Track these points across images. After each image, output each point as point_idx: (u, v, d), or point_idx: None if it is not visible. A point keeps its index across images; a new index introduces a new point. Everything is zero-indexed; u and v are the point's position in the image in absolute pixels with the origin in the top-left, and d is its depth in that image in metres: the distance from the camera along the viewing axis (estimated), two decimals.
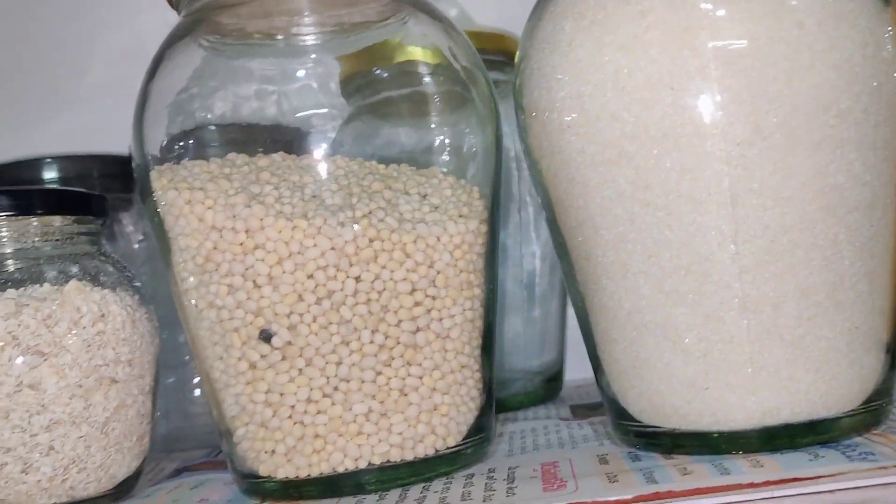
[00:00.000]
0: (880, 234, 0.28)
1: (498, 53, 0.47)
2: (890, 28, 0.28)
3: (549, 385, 0.48)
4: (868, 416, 0.29)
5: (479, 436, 0.32)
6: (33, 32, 0.60)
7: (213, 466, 0.39)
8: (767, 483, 0.24)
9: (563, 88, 0.29)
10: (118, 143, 0.52)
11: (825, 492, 0.24)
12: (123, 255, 0.47)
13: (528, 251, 0.49)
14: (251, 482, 0.31)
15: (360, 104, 0.35)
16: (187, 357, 0.47)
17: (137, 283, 0.37)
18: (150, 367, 0.36)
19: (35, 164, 0.50)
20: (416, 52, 0.36)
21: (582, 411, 0.41)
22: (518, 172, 0.50)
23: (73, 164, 0.50)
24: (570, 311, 0.51)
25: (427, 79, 0.35)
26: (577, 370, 0.51)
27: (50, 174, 0.50)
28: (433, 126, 0.35)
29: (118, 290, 0.35)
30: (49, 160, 0.50)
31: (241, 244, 0.30)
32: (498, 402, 0.36)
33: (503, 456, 0.33)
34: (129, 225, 0.52)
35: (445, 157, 0.35)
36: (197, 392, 0.47)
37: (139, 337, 0.35)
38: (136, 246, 0.50)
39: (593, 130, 0.29)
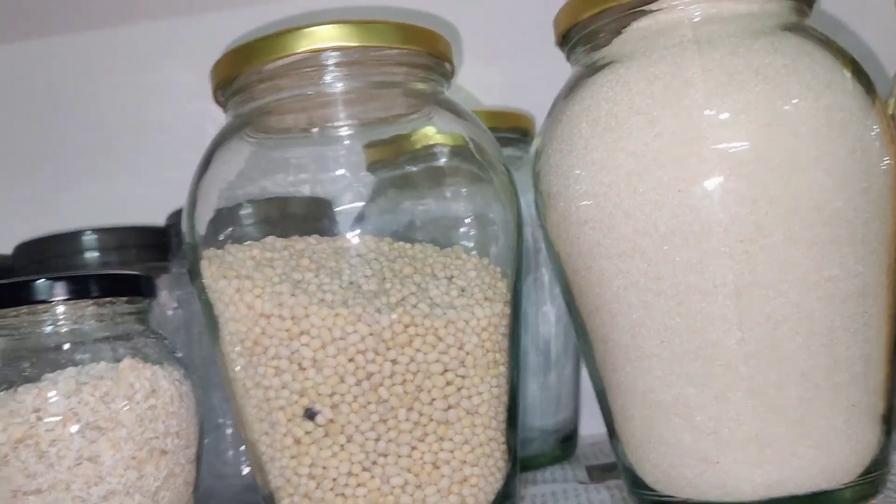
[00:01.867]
0: (873, 319, 0.31)
1: (511, 131, 0.50)
2: (876, 126, 0.31)
3: (565, 444, 0.50)
4: (867, 486, 0.31)
5: (505, 502, 0.35)
6: (66, 109, 0.63)
7: None
8: None
9: (581, 184, 0.32)
10: (148, 214, 0.55)
11: None
12: (158, 322, 0.50)
13: (542, 313, 0.51)
14: None
15: (385, 178, 0.38)
16: (220, 420, 0.49)
17: (181, 356, 0.40)
18: (195, 437, 0.38)
19: (76, 236, 0.53)
20: (439, 138, 0.39)
21: (598, 473, 0.43)
22: (532, 240, 0.52)
23: (112, 236, 0.53)
24: (583, 372, 0.54)
25: (449, 159, 0.38)
26: (590, 426, 0.54)
27: (90, 245, 0.53)
28: (455, 203, 0.38)
29: (165, 365, 0.38)
30: (89, 232, 0.53)
31: (288, 330, 0.32)
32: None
33: None
34: (164, 290, 0.54)
35: (468, 236, 0.38)
36: (230, 453, 0.49)
37: (186, 409, 0.38)
38: (170, 313, 0.53)
39: (608, 225, 0.31)
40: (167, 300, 0.53)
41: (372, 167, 0.38)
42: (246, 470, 0.49)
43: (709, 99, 0.30)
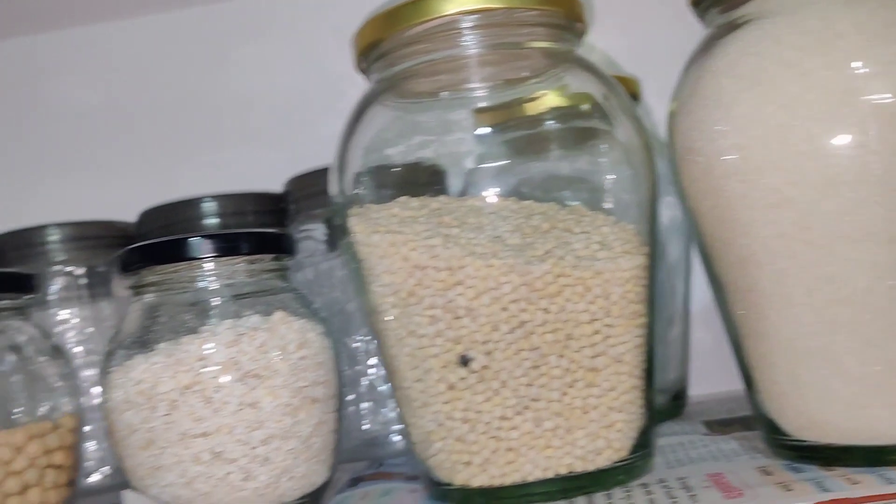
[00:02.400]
0: None
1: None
2: None
3: (675, 403, 0.51)
4: None
5: (645, 450, 0.36)
6: (172, 81, 0.65)
7: (385, 476, 0.43)
8: None
9: (726, 139, 0.33)
10: (259, 183, 0.57)
11: None
12: None
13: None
14: (444, 490, 0.35)
15: (516, 139, 0.39)
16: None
17: (322, 314, 0.42)
18: (337, 389, 0.40)
19: (197, 202, 0.55)
20: (572, 98, 0.40)
21: (717, 427, 0.44)
22: None
23: (231, 202, 0.55)
24: (693, 333, 0.55)
25: (580, 118, 0.39)
26: (698, 388, 0.55)
27: (210, 211, 0.55)
28: (585, 163, 0.39)
29: (311, 320, 0.40)
30: (209, 199, 0.55)
31: (443, 281, 0.34)
32: None
33: (665, 468, 0.37)
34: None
35: (597, 195, 0.39)
36: (351, 409, 0.51)
37: (330, 361, 0.40)
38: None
39: (756, 177, 0.32)
40: None
41: (503, 128, 0.39)
42: (366, 426, 0.51)
43: (860, 51, 0.31)
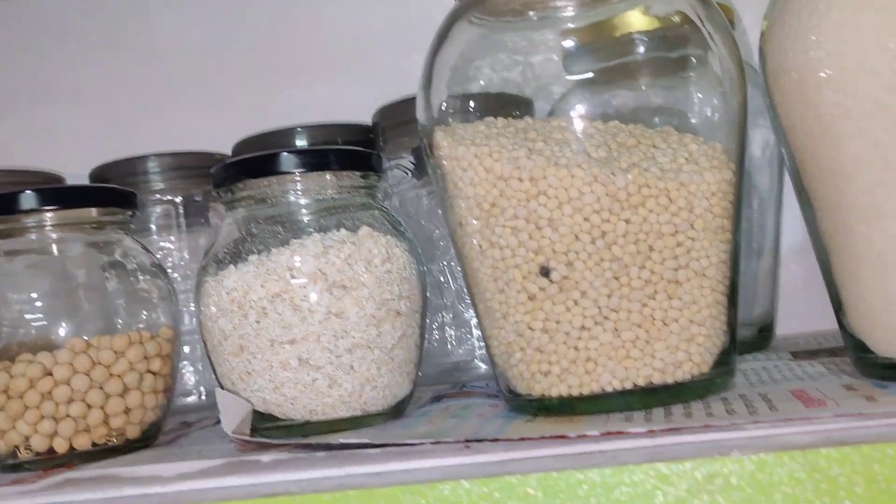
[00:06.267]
0: None
1: None
2: None
3: (762, 335, 0.50)
4: None
5: (726, 366, 0.36)
6: (267, 20, 0.67)
7: (466, 395, 0.44)
8: None
9: (821, 48, 0.32)
10: (347, 114, 0.58)
11: None
12: None
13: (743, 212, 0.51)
14: (524, 400, 0.36)
15: (604, 69, 0.39)
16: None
17: (407, 232, 0.42)
18: (421, 305, 0.41)
19: (289, 132, 0.56)
20: (661, 20, 0.39)
21: (804, 356, 0.44)
22: None
23: (321, 132, 0.56)
24: (784, 269, 0.54)
25: (667, 42, 0.39)
26: (786, 326, 0.54)
27: (301, 141, 0.57)
28: (676, 88, 0.39)
29: (396, 236, 0.41)
30: (300, 129, 0.56)
31: (525, 191, 0.34)
32: None
33: (748, 387, 0.36)
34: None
35: (688, 117, 0.38)
36: (436, 336, 0.52)
37: (415, 276, 0.41)
38: None
39: (851, 85, 0.31)
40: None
41: (592, 49, 0.39)
42: (451, 352, 0.52)
43: None
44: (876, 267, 0.33)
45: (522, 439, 0.30)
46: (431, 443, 0.31)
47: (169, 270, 0.57)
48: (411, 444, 0.31)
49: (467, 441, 0.31)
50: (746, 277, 0.50)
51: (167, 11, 0.68)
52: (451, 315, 0.53)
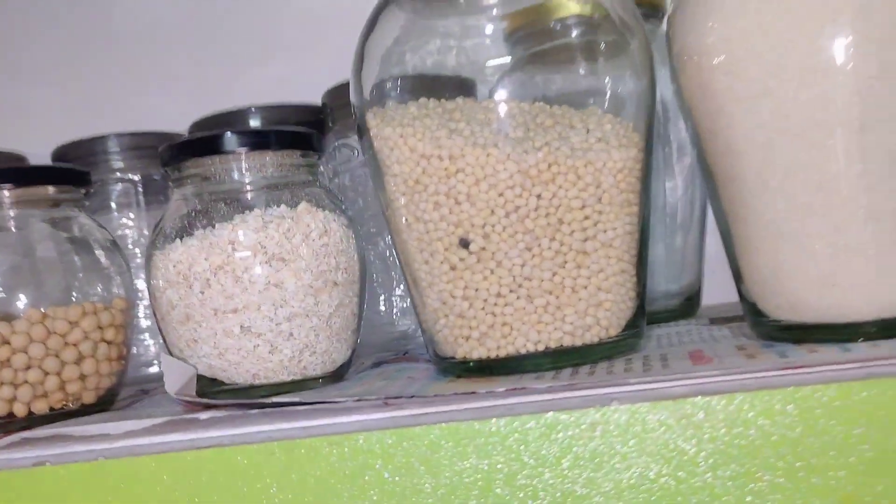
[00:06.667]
0: None
1: (646, 6, 0.52)
2: None
3: (687, 303, 0.54)
4: None
5: (634, 330, 0.39)
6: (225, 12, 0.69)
7: (405, 360, 0.47)
8: (884, 357, 0.30)
9: (714, 34, 0.35)
10: (308, 93, 0.61)
11: None
12: None
13: (670, 185, 0.54)
14: (449, 363, 0.39)
15: (529, 53, 0.42)
16: (376, 279, 0.55)
17: (346, 209, 0.45)
18: (359, 276, 0.44)
19: (243, 113, 0.59)
20: (580, 7, 0.42)
21: (720, 321, 0.47)
22: (662, 116, 0.55)
23: (274, 113, 0.59)
24: (708, 241, 0.57)
25: (589, 29, 0.41)
26: (712, 297, 0.57)
27: (255, 122, 0.59)
28: (594, 72, 0.41)
29: (335, 212, 0.43)
30: (254, 109, 0.59)
31: (446, 169, 0.37)
32: None
33: (655, 349, 0.39)
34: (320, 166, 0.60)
35: (604, 98, 0.41)
36: (383, 308, 0.55)
37: (352, 250, 0.43)
38: (327, 181, 0.59)
39: (740, 69, 0.34)
40: (325, 169, 0.59)
41: (514, 35, 0.42)
42: (403, 325, 0.55)
43: None
44: (766, 237, 0.36)
45: (436, 396, 0.33)
46: (354, 401, 0.34)
47: (129, 246, 0.60)
48: (336, 402, 0.34)
49: (388, 399, 0.33)
50: (673, 249, 0.54)
51: None
52: (401, 287, 0.55)
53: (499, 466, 0.28)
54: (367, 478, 0.29)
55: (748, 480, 0.27)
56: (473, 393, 0.32)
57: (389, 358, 0.48)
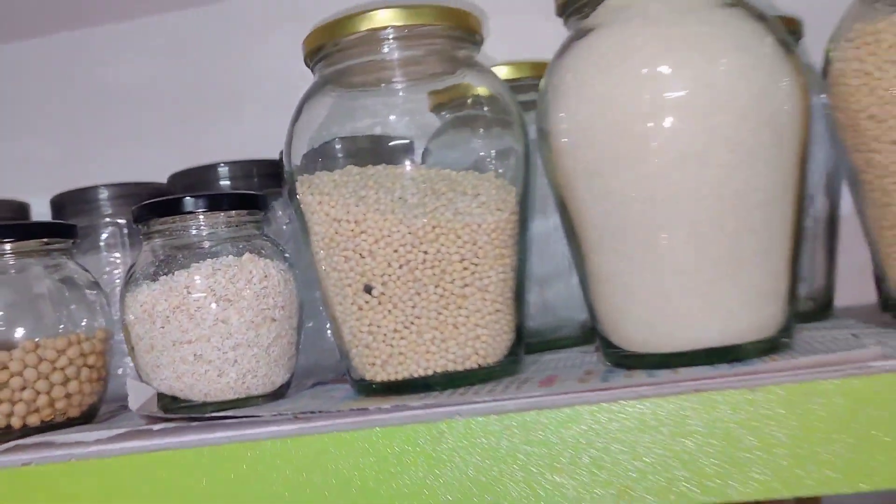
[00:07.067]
0: (774, 223, 0.42)
1: (534, 78, 0.61)
2: (786, 79, 0.42)
3: (589, 332, 0.62)
4: (766, 343, 0.42)
5: (512, 357, 0.48)
6: (200, 67, 0.79)
7: (339, 381, 0.56)
8: (668, 381, 0.39)
9: (564, 122, 0.44)
10: (276, 145, 0.70)
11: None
12: (275, 233, 0.65)
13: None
14: (361, 384, 0.48)
15: (442, 123, 0.51)
16: (320, 308, 0.64)
17: (287, 255, 0.54)
18: (296, 312, 0.53)
19: (213, 168, 0.68)
20: (475, 91, 0.51)
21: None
22: None
23: (240, 168, 0.68)
24: None
25: (482, 107, 0.51)
26: None
27: (223, 175, 0.68)
28: (487, 140, 0.51)
29: (275, 260, 0.53)
30: (222, 165, 0.68)
31: (352, 230, 0.46)
32: (549, 342, 0.55)
33: (533, 374, 0.48)
34: (280, 211, 0.69)
35: (497, 164, 0.50)
36: (328, 333, 0.64)
37: (289, 291, 0.52)
38: (284, 227, 0.68)
39: (579, 154, 0.43)
40: (281, 217, 0.68)
41: (434, 110, 0.51)
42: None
43: (652, 59, 0.41)
44: (606, 286, 0.44)
45: (339, 411, 0.42)
46: (272, 415, 0.43)
47: (116, 281, 0.69)
48: (258, 417, 0.43)
49: (299, 413, 0.43)
50: (572, 286, 0.62)
51: (109, 54, 0.80)
52: None
53: (371, 465, 0.38)
54: (274, 474, 0.39)
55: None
56: (365, 409, 0.42)
57: (330, 379, 0.57)
